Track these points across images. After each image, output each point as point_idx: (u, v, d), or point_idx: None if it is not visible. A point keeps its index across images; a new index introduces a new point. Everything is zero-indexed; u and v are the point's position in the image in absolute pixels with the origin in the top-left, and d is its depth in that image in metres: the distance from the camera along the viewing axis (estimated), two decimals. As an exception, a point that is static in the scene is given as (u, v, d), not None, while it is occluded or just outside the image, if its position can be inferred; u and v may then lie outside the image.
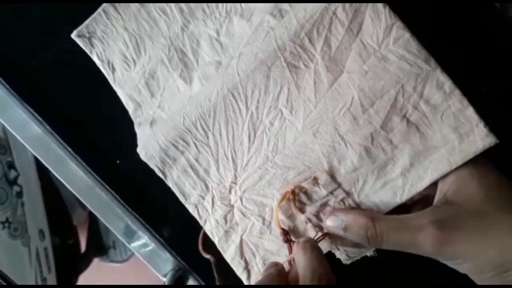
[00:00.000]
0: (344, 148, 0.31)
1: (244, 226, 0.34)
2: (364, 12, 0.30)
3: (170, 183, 0.36)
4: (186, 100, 0.35)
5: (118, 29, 0.37)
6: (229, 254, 0.35)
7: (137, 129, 0.37)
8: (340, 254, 0.32)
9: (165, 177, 0.36)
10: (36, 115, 0.41)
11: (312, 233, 0.32)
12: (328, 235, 0.31)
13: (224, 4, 0.35)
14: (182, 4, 0.36)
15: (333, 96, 0.31)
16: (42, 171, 0.67)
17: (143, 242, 0.43)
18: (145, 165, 0.35)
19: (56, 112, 0.41)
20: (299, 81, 0.32)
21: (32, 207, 0.63)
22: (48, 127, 0.41)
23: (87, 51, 0.37)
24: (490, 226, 0.26)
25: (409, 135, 0.30)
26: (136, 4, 0.36)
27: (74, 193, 0.42)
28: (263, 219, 0.34)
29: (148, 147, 0.35)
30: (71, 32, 0.37)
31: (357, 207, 0.31)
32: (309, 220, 0.32)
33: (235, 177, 0.35)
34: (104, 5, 0.36)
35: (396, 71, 0.30)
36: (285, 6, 0.33)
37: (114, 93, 0.37)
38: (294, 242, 0.31)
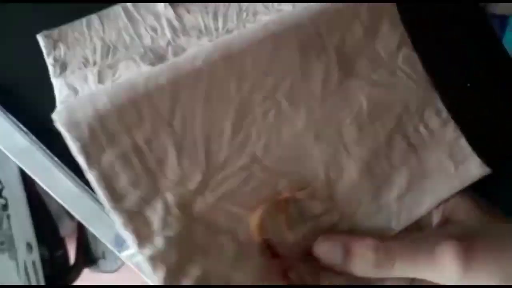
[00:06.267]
0: (345, 159, 0.28)
1: (212, 251, 0.25)
2: (382, 21, 0.29)
3: (92, 173, 0.23)
4: None
5: (93, 39, 0.34)
6: None
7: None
8: None
9: (88, 161, 0.23)
10: (21, 125, 0.40)
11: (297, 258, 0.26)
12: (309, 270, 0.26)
13: (226, 24, 0.32)
14: (176, 23, 0.32)
15: (341, 97, 0.29)
16: (27, 183, 0.66)
17: (134, 251, 0.42)
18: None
19: (40, 122, 0.40)
20: (308, 72, 0.28)
21: (18, 220, 0.62)
22: (33, 137, 0.40)
23: (45, 51, 0.34)
24: (501, 237, 0.25)
25: (408, 157, 0.29)
26: (126, 20, 0.33)
27: (62, 203, 0.41)
28: (238, 241, 0.26)
29: (75, 109, 0.23)
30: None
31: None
32: (297, 242, 0.27)
33: (206, 176, 0.25)
34: (91, 16, 0.34)
35: (403, 89, 0.30)
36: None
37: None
38: (278, 255, 0.26)
